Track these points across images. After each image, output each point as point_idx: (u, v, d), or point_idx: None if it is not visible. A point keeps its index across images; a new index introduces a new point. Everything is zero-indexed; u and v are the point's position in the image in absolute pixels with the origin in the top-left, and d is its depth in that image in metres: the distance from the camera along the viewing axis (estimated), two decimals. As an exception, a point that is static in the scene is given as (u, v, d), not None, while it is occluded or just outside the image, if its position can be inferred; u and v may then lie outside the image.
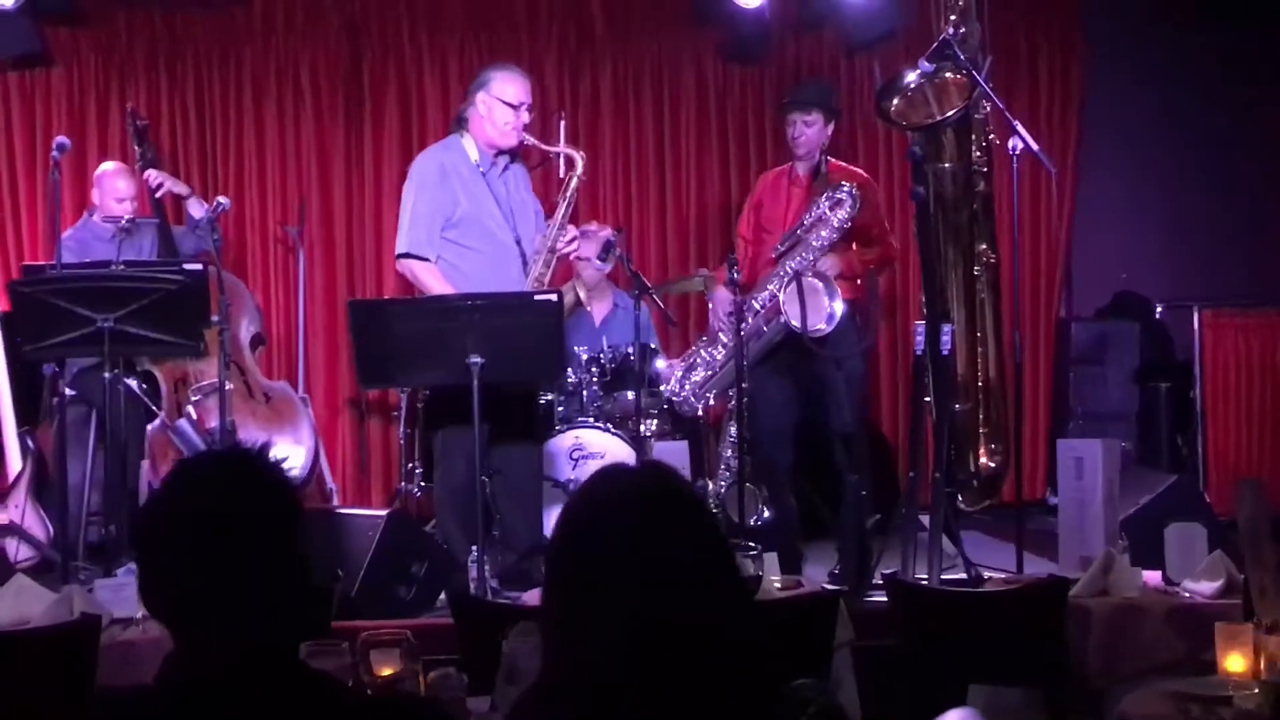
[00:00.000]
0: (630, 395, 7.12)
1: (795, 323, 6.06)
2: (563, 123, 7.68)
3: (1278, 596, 3.38)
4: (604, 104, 8.53)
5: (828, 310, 6.10)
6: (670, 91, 8.58)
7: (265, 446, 2.26)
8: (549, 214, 6.45)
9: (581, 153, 6.48)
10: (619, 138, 8.56)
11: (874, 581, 6.05)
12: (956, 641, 4.45)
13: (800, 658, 4.25)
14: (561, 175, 6.42)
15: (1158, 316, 8.04)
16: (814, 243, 6.28)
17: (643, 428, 7.19)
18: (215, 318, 6.02)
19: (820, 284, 6.17)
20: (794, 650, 4.22)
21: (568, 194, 6.32)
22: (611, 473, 2.25)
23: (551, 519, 6.71)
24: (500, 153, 6.30)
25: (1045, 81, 8.64)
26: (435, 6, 8.44)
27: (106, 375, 5.84)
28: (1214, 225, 8.61)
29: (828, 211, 6.29)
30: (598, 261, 6.88)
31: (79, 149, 8.01)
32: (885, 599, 4.84)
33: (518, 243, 6.20)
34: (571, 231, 6.35)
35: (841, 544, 6.31)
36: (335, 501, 7.78)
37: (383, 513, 5.99)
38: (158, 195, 7.18)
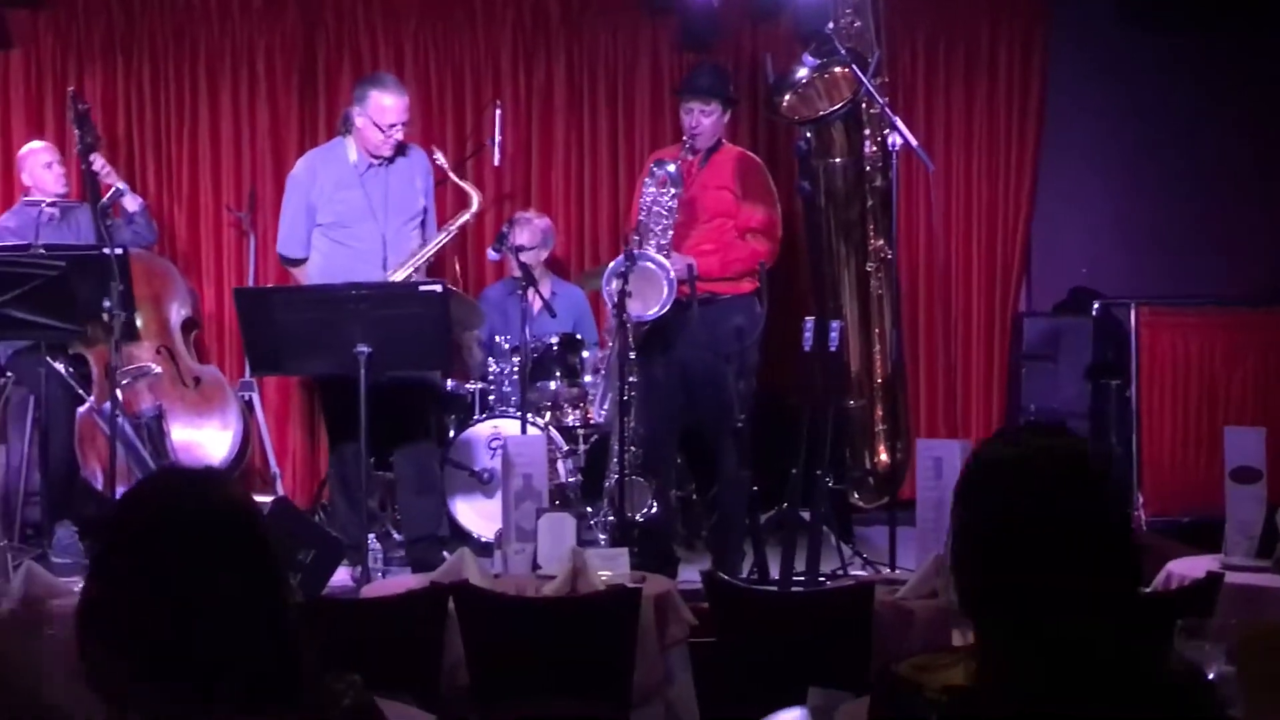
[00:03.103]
0: (553, 385, 7.14)
1: (631, 314, 6.03)
2: (498, 112, 7.74)
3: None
4: (558, 93, 8.49)
5: (660, 298, 6.07)
6: (624, 81, 8.53)
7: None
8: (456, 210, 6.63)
9: (479, 194, 6.69)
10: (573, 127, 8.51)
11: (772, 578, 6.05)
12: (770, 642, 4.42)
13: (592, 652, 4.25)
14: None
15: (1095, 314, 7.86)
16: (655, 228, 6.23)
17: (570, 418, 7.21)
18: (107, 303, 6.07)
19: (655, 268, 6.11)
20: (583, 645, 4.20)
21: (452, 227, 6.53)
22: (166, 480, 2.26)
23: (463, 506, 6.89)
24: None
25: (1005, 76, 8.51)
26: (391, -7, 8.47)
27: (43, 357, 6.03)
28: (1173, 223, 8.45)
29: (657, 194, 6.24)
30: (492, 252, 6.88)
31: (36, 131, 8.13)
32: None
33: (383, 242, 6.39)
34: None
35: (718, 541, 6.28)
36: (278, 487, 7.85)
37: (268, 500, 6.04)
38: (102, 178, 7.26)
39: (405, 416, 6.44)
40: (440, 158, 6.73)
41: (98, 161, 7.24)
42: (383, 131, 6.46)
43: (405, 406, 6.42)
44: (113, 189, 7.24)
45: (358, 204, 6.49)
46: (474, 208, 6.59)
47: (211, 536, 2.02)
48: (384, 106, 6.47)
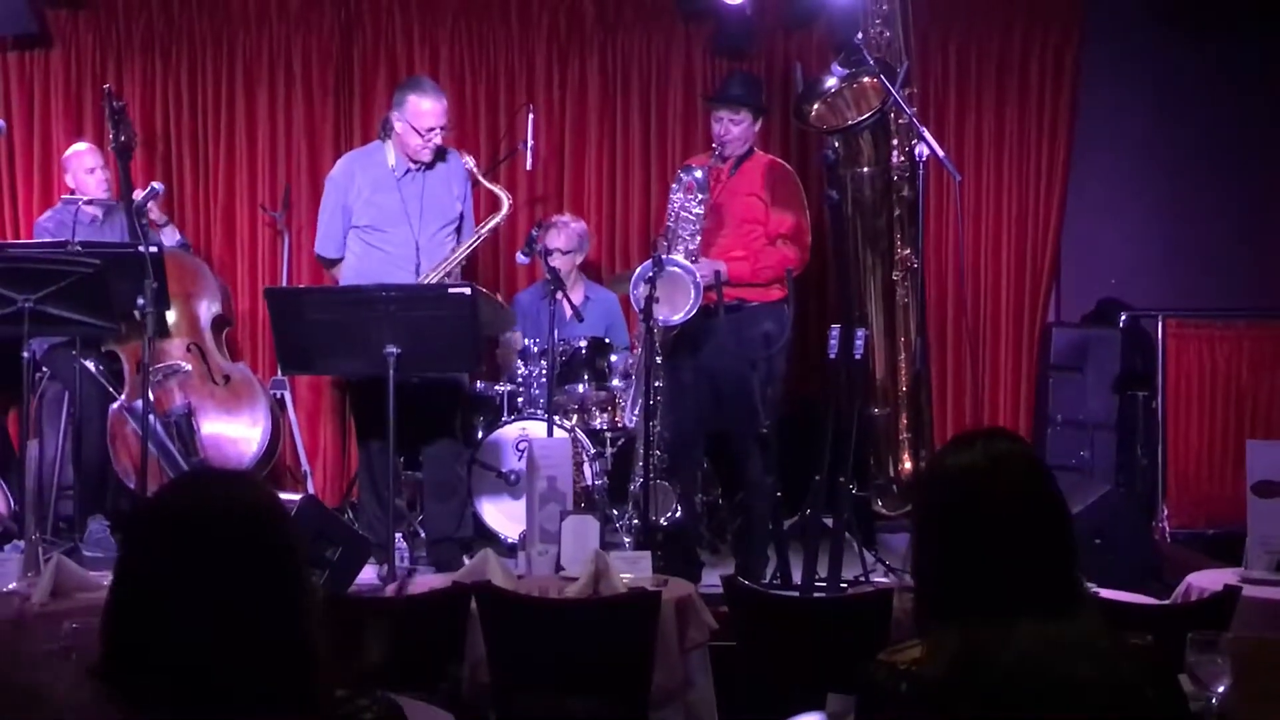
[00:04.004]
0: (581, 388, 7.19)
1: (659, 319, 6.07)
2: (530, 115, 7.80)
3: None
4: (591, 95, 8.55)
5: (687, 303, 6.11)
6: (658, 84, 8.58)
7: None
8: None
9: (509, 196, 6.71)
10: (606, 130, 8.57)
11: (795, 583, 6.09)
12: (788, 647, 4.46)
13: (613, 654, 4.29)
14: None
15: (1123, 325, 7.87)
16: (684, 234, 6.27)
17: (597, 421, 7.26)
18: (141, 301, 6.14)
19: (683, 273, 6.15)
20: (604, 647, 4.25)
21: (483, 230, 6.56)
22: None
23: (489, 507, 6.95)
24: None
25: (1036, 85, 8.52)
26: (427, -6, 8.54)
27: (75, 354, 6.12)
28: (1201, 235, 8.44)
29: (684, 200, 6.28)
30: (522, 255, 6.93)
31: (75, 130, 8.23)
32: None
33: (417, 247, 6.43)
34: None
35: (742, 546, 6.31)
36: (309, 485, 7.91)
37: (296, 498, 6.09)
38: (154, 220, 7.37)
39: (431, 418, 6.51)
40: (469, 161, 6.77)
41: (153, 211, 7.34)
42: (421, 136, 6.51)
43: (431, 407, 6.49)
44: (150, 189, 7.30)
45: (393, 208, 6.55)
46: (504, 210, 6.63)
47: (234, 539, 2.06)
48: (422, 111, 6.52)
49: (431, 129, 6.51)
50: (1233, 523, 6.71)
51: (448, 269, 6.55)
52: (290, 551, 2.11)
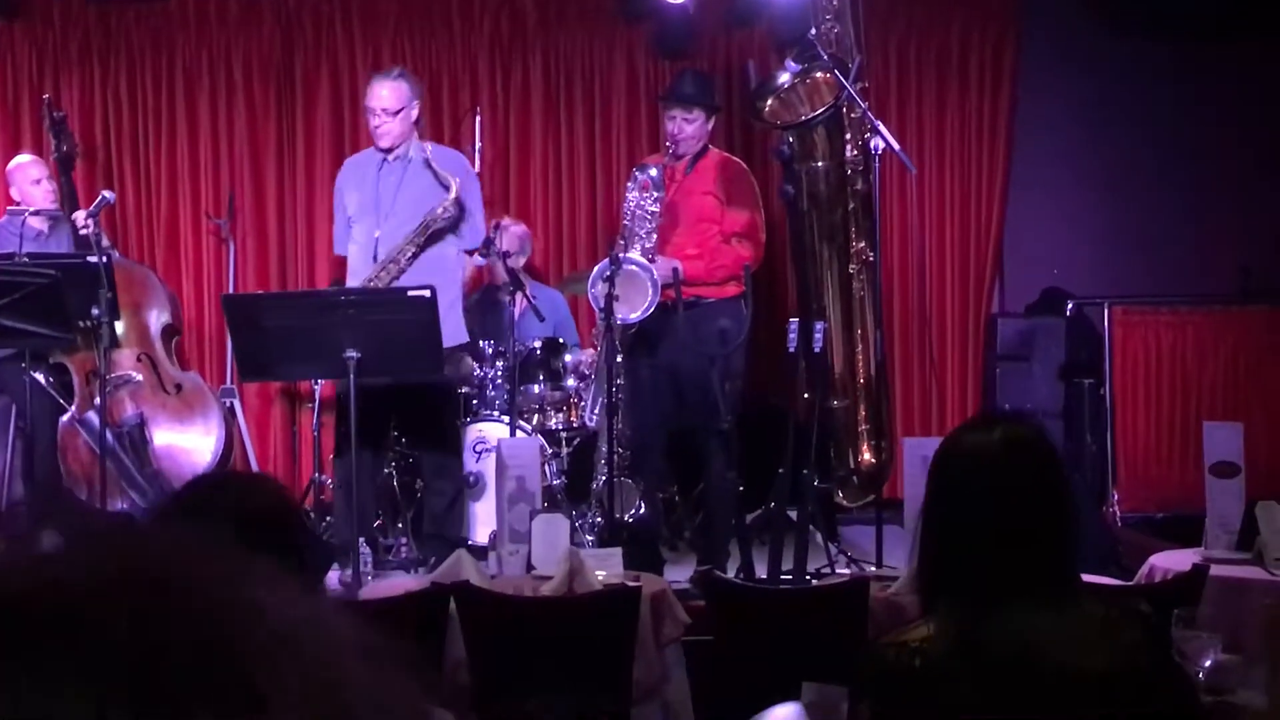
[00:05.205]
0: (537, 389, 7.20)
1: (617, 317, 6.09)
2: (478, 119, 7.79)
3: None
4: (535, 97, 8.56)
5: (645, 301, 6.14)
6: (601, 85, 8.60)
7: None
8: None
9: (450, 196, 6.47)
10: (550, 131, 8.58)
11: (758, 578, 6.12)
12: (765, 638, 4.49)
13: (593, 651, 4.31)
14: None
15: (1069, 313, 7.97)
16: (640, 231, 6.30)
17: (553, 421, 7.27)
18: (95, 311, 6.10)
19: (640, 271, 6.18)
20: (584, 644, 4.26)
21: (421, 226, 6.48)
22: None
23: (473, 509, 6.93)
24: (391, 151, 6.52)
25: (976, 78, 8.61)
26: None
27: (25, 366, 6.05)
28: (1144, 222, 8.55)
29: (640, 198, 6.32)
30: (478, 257, 6.92)
31: (12, 141, 8.15)
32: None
33: (375, 241, 6.38)
34: None
35: (704, 542, 6.34)
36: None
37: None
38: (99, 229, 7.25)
39: (425, 420, 6.54)
40: (428, 148, 6.63)
41: (88, 226, 7.17)
42: (373, 117, 6.49)
43: (425, 410, 6.50)
44: (100, 199, 7.21)
45: (365, 201, 6.48)
46: (439, 211, 6.52)
47: (255, 542, 2.07)
48: (369, 91, 6.56)
49: (369, 109, 6.49)
50: (1182, 506, 6.82)
51: (385, 266, 6.41)
52: (307, 552, 2.13)
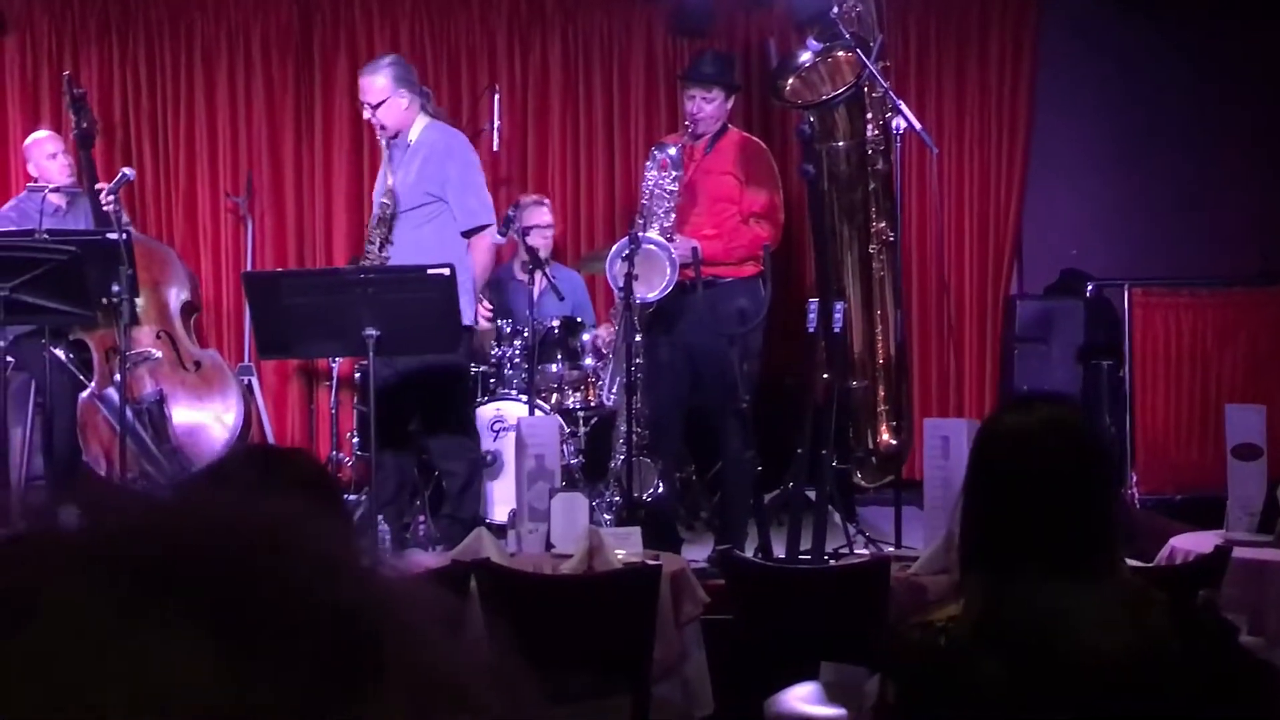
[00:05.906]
0: (554, 368, 7.20)
1: (636, 296, 6.09)
2: (496, 97, 7.78)
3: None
4: (553, 76, 8.55)
5: (663, 280, 6.12)
6: (620, 65, 8.59)
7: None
8: None
9: None
10: (569, 110, 8.57)
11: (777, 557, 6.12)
12: (785, 618, 4.49)
13: (613, 629, 4.31)
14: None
15: (1088, 295, 7.95)
16: (659, 211, 6.29)
17: (571, 400, 7.27)
18: (115, 288, 6.10)
19: (658, 251, 6.17)
20: (605, 622, 4.27)
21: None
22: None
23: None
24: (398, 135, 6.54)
25: (996, 59, 8.59)
26: (386, -24, 8.51)
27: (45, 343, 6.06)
28: (1164, 204, 8.53)
29: (659, 178, 6.30)
30: (498, 235, 6.92)
31: (32, 117, 8.15)
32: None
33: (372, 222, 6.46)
34: None
35: (721, 521, 6.34)
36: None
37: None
38: (119, 205, 7.25)
39: (436, 404, 6.54)
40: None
41: (110, 201, 7.17)
42: (364, 109, 6.53)
43: (435, 394, 6.50)
44: (120, 175, 7.21)
45: (380, 185, 6.55)
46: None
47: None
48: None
49: (363, 102, 6.51)
50: (1200, 488, 6.81)
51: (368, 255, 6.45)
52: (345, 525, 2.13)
